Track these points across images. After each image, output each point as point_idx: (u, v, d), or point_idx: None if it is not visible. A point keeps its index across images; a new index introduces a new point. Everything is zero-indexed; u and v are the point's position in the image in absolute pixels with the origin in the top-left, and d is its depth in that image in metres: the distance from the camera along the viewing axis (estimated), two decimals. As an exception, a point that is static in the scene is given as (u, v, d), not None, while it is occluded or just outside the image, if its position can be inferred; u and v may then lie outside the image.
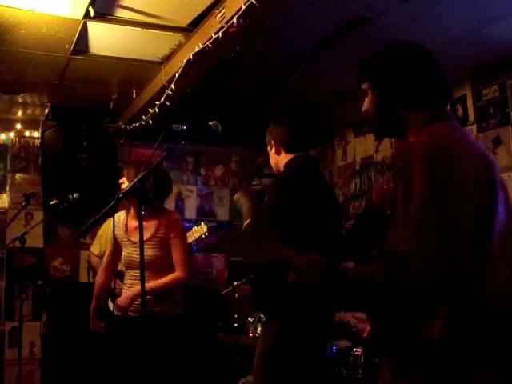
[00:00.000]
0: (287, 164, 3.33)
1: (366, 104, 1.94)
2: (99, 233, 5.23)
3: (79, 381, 5.63)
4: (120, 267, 4.12)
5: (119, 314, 3.80)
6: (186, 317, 4.07)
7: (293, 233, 3.09)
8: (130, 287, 3.83)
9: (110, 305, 4.36)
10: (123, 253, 3.89)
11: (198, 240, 5.00)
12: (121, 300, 3.77)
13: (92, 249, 5.29)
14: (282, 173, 3.34)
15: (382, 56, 1.92)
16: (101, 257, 4.86)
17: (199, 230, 4.94)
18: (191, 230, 5.12)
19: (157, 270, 3.70)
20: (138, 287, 3.44)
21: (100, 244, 5.12)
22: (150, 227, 3.76)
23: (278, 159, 3.39)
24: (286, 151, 3.36)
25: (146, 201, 3.05)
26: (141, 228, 2.58)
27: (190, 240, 4.87)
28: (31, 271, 6.08)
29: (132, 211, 3.89)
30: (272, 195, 3.22)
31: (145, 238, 3.54)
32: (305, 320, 3.13)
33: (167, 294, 3.79)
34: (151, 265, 3.67)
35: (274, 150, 3.40)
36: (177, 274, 3.76)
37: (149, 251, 3.67)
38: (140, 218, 2.61)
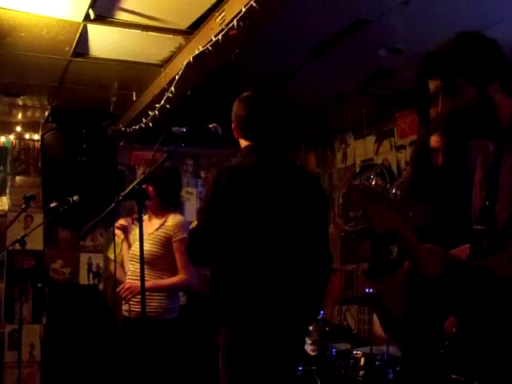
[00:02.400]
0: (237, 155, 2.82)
1: (462, 100, 1.77)
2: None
3: (79, 383, 5.63)
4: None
5: (124, 302, 3.76)
6: (188, 320, 4.06)
7: (224, 235, 2.71)
8: (130, 278, 3.84)
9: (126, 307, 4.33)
10: None
11: None
12: (133, 283, 3.72)
13: (108, 253, 5.23)
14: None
15: (463, 47, 1.79)
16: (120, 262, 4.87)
17: None
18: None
19: (155, 267, 3.73)
20: (149, 283, 3.61)
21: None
22: (154, 224, 3.84)
23: (241, 145, 2.89)
24: (244, 137, 2.85)
25: (144, 202, 3.01)
26: (140, 229, 2.59)
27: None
28: (31, 274, 6.07)
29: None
30: (204, 195, 2.85)
31: (146, 233, 3.69)
32: (258, 332, 2.63)
33: (165, 297, 3.79)
34: (148, 260, 3.69)
35: (235, 133, 2.89)
36: (182, 275, 3.78)
37: (147, 246, 3.70)
38: (140, 219, 2.61)
